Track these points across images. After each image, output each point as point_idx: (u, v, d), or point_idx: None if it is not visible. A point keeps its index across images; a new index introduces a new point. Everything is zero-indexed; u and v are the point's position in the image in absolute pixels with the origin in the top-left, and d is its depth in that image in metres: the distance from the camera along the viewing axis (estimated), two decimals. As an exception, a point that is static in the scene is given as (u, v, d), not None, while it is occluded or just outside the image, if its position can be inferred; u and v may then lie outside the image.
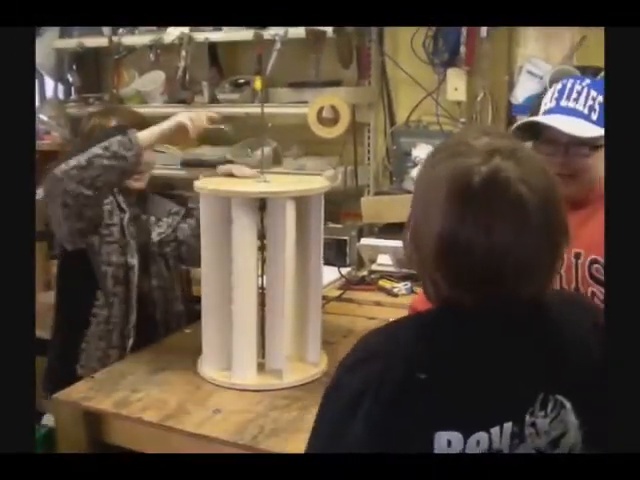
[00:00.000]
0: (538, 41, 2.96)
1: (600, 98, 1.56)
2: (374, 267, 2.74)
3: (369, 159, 3.35)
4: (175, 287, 2.26)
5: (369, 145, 3.35)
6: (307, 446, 1.11)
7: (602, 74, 2.75)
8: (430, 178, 1.07)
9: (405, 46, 3.13)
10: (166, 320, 2.23)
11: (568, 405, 1.07)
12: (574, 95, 1.59)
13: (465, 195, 1.00)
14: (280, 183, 1.89)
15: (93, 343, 2.12)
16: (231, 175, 1.98)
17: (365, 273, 2.76)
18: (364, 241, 2.84)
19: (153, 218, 2.25)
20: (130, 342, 2.12)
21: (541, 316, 1.10)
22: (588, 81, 1.62)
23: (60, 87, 3.68)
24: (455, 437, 0.99)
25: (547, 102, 1.69)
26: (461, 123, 2.99)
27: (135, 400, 1.74)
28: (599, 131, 1.54)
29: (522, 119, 1.73)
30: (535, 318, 1.09)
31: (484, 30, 2.86)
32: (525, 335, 1.07)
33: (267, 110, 3.11)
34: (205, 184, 1.85)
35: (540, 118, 1.64)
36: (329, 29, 2.97)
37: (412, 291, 2.55)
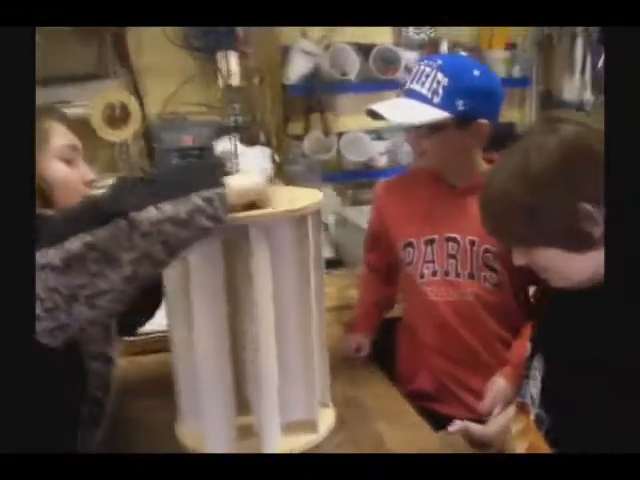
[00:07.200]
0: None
1: (445, 81, 1.56)
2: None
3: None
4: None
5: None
6: None
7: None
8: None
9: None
10: None
11: None
12: (422, 78, 1.59)
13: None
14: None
15: None
16: None
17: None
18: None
19: None
20: None
21: None
22: (440, 62, 1.59)
23: None
24: None
25: (407, 84, 1.66)
26: (232, 109, 2.76)
27: None
28: (434, 114, 1.56)
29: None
30: None
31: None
32: None
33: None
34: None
35: (374, 106, 1.63)
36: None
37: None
